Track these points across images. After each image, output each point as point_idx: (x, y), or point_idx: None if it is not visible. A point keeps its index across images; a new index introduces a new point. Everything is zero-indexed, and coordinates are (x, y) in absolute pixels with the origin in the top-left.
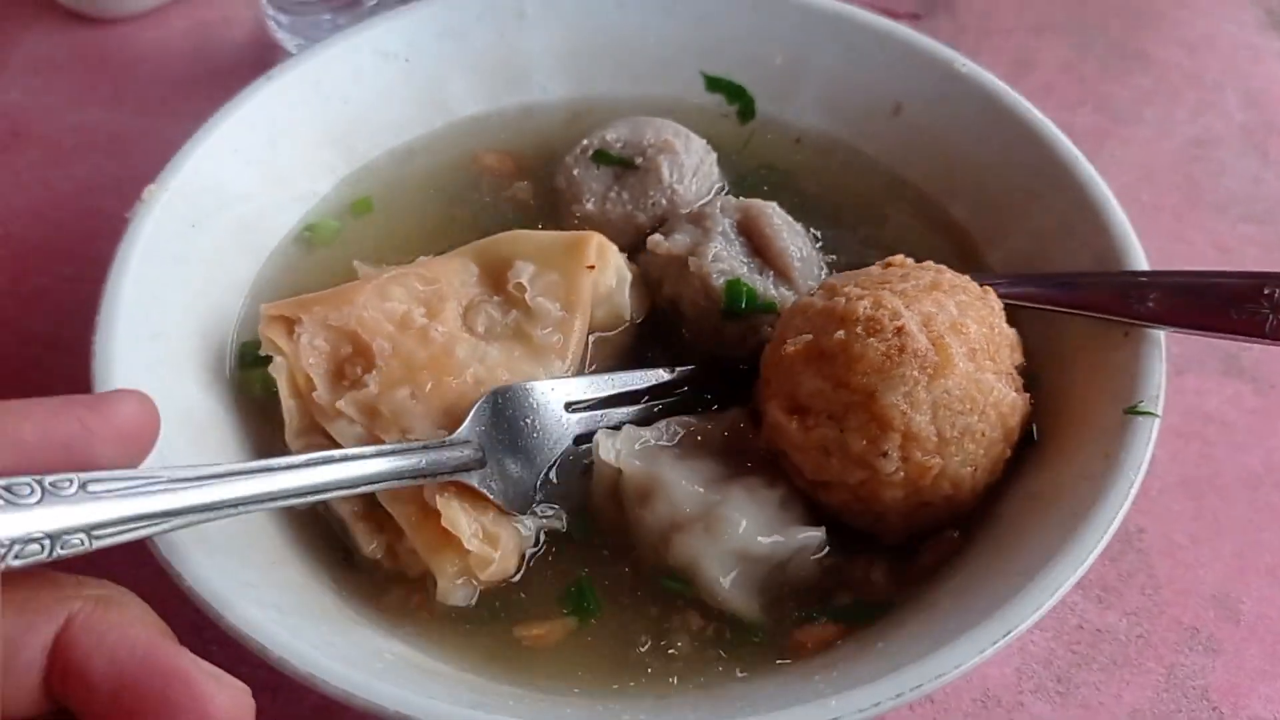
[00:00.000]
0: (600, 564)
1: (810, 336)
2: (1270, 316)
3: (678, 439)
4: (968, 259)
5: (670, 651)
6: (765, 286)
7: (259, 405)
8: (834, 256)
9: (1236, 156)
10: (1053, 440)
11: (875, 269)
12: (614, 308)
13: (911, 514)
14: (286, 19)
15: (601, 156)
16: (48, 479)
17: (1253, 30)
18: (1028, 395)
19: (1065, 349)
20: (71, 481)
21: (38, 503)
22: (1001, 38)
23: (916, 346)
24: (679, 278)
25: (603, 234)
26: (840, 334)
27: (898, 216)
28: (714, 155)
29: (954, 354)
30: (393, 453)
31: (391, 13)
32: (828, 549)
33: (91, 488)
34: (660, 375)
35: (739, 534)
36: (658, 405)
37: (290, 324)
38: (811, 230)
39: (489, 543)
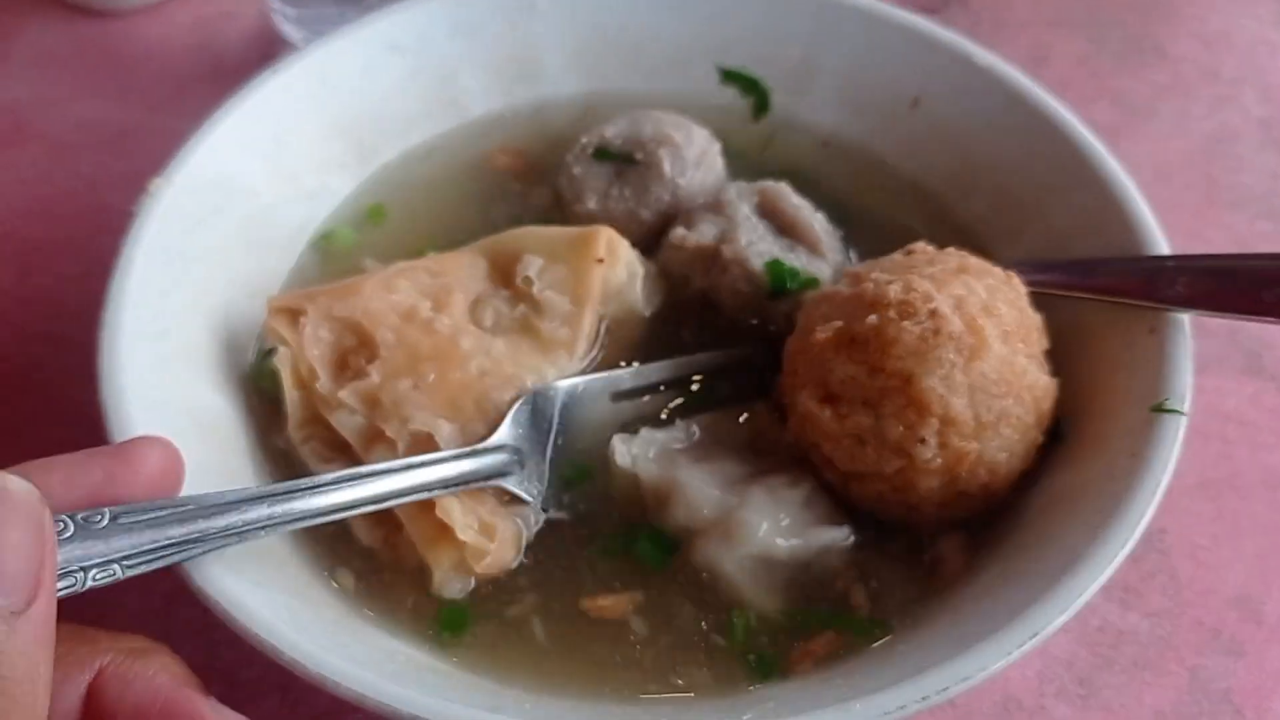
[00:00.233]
0: (613, 560)
1: (840, 323)
2: None
3: (697, 439)
4: (986, 255)
5: (688, 654)
6: (802, 263)
7: (268, 403)
8: (852, 252)
9: (1254, 152)
10: (1077, 438)
11: (898, 256)
12: (625, 302)
13: (946, 504)
14: (292, 12)
15: (601, 153)
16: (79, 514)
17: (1270, 25)
18: (1056, 380)
19: (1089, 343)
20: (102, 515)
21: (71, 537)
22: (1016, 31)
23: (952, 329)
24: (711, 269)
25: None
26: (873, 319)
27: (915, 211)
28: (718, 145)
29: (989, 336)
30: (421, 465)
31: (401, 5)
32: (853, 539)
33: (122, 520)
34: (702, 360)
35: (758, 538)
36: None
37: (296, 315)
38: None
39: (485, 534)
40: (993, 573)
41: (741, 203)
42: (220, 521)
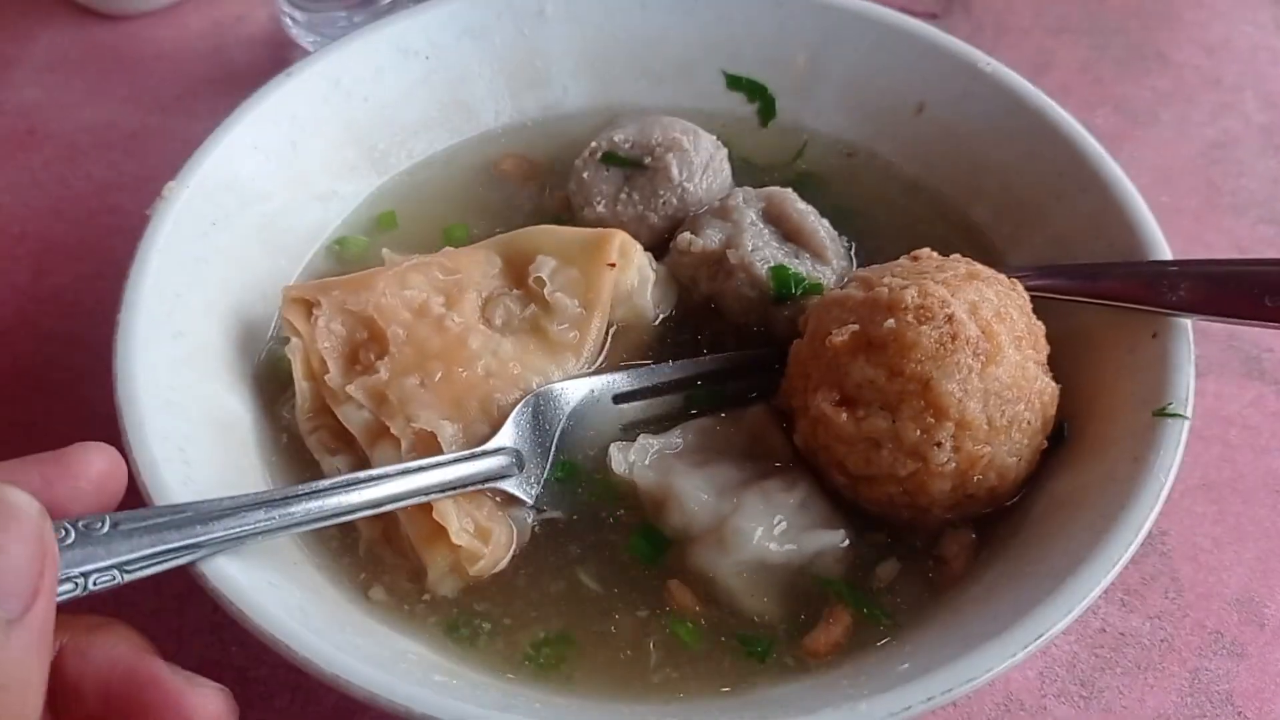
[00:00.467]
0: (612, 562)
1: (856, 327)
2: None
3: (695, 444)
4: (990, 260)
5: (691, 655)
6: (807, 268)
7: (278, 390)
8: (856, 260)
9: (1256, 158)
10: (1080, 441)
11: (905, 261)
12: (635, 307)
13: (953, 507)
14: (302, 16)
15: (610, 158)
16: (81, 521)
17: (1271, 32)
18: (1058, 385)
19: (1092, 347)
20: (103, 522)
21: (72, 544)
22: (1018, 37)
23: (968, 334)
24: (716, 274)
25: None
26: (890, 323)
27: (919, 217)
28: (724, 151)
29: (1003, 341)
30: (418, 470)
31: (412, 10)
32: (848, 542)
33: (123, 527)
34: (705, 363)
35: (752, 544)
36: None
37: (310, 307)
38: (839, 233)
39: (480, 537)
40: (996, 574)
41: (748, 208)
42: (218, 526)
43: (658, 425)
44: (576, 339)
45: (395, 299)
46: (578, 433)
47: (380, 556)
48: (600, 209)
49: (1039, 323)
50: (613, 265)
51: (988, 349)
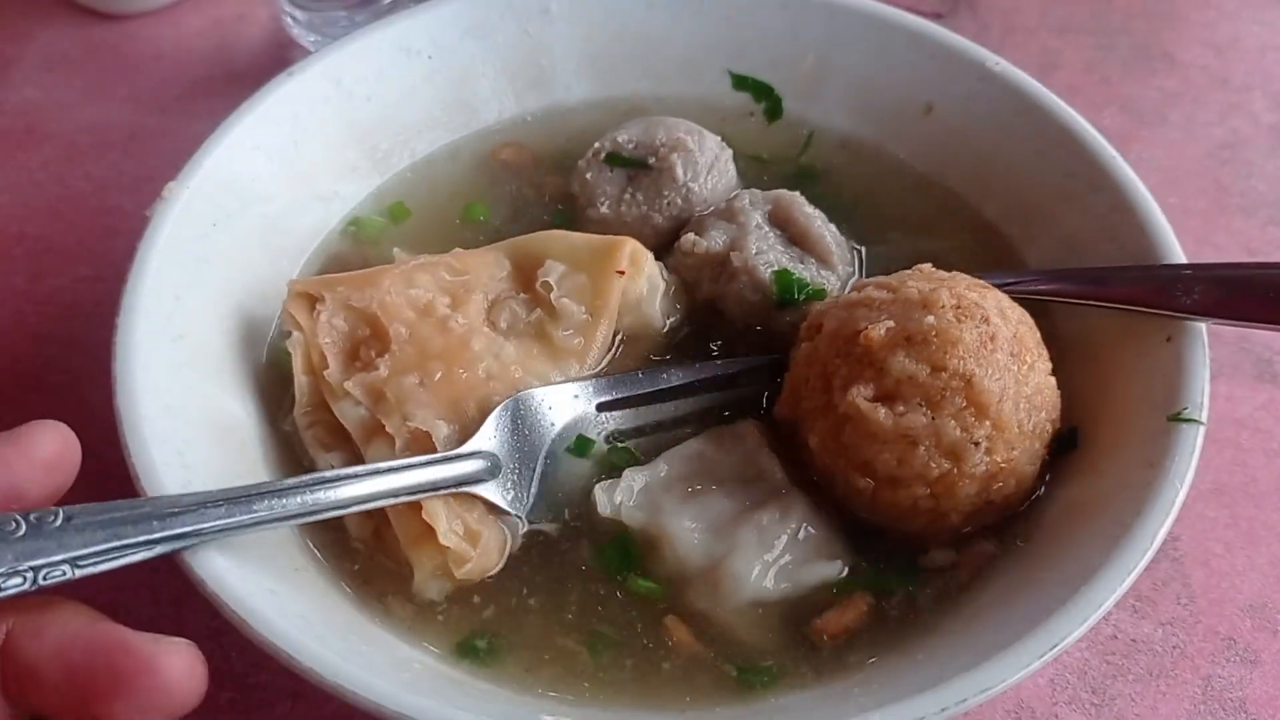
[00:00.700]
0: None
1: (892, 323)
2: None
3: (681, 474)
4: (1001, 263)
5: (705, 663)
6: (811, 274)
7: (278, 385)
8: (863, 263)
9: (1265, 158)
10: (1092, 447)
11: (912, 271)
12: (642, 316)
13: (972, 515)
14: (303, 15)
15: (614, 159)
16: (33, 514)
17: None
18: (1064, 392)
19: (1105, 350)
20: (56, 515)
21: (22, 536)
22: (1024, 37)
23: (1005, 334)
24: (719, 276)
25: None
26: (931, 319)
27: (929, 219)
28: (729, 152)
29: (1031, 345)
30: (389, 470)
31: (415, 9)
32: (846, 572)
33: (76, 520)
34: (694, 371)
35: (748, 587)
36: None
37: (313, 301)
38: (845, 237)
39: (469, 540)
40: (1008, 582)
41: (754, 211)
42: (176, 523)
43: (641, 435)
44: (581, 345)
45: (400, 297)
46: (559, 441)
47: (381, 560)
48: (604, 210)
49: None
50: (622, 273)
51: (1022, 353)
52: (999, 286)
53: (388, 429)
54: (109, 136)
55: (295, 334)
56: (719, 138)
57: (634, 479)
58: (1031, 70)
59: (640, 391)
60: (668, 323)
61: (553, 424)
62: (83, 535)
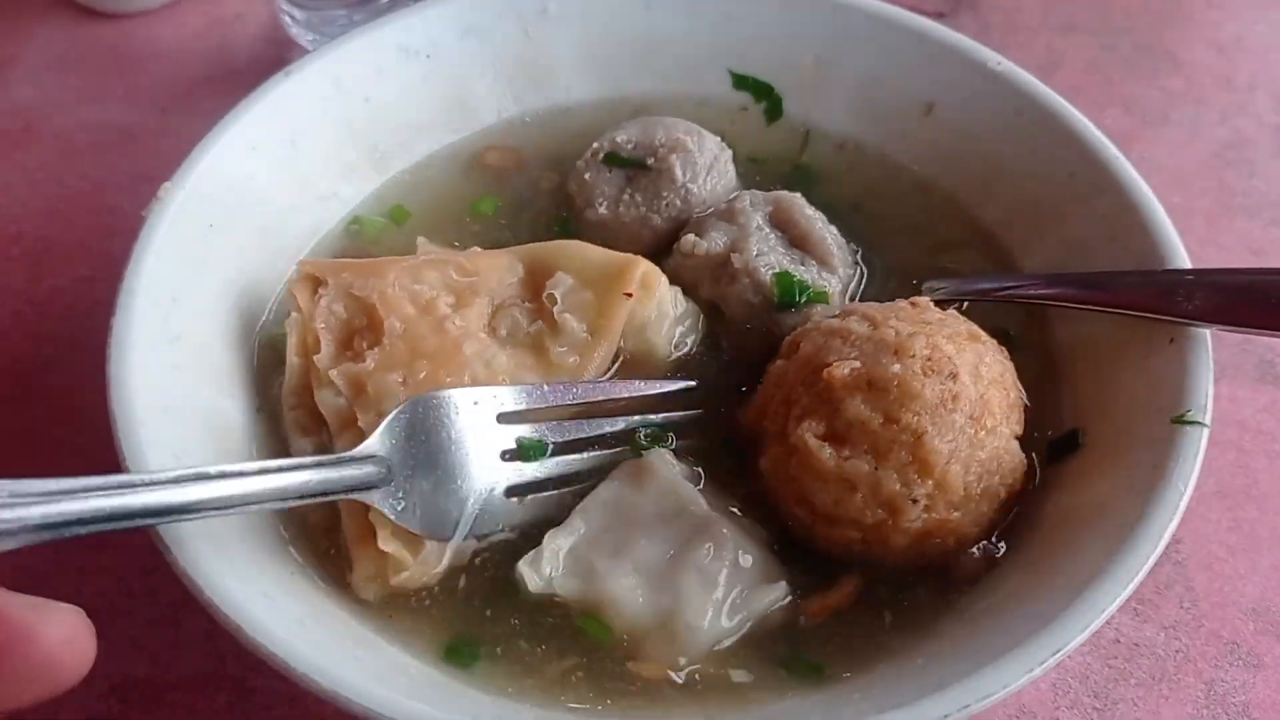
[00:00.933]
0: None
1: (859, 364)
2: None
3: (603, 526)
4: (1003, 264)
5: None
6: (812, 276)
7: (279, 412)
8: (865, 265)
9: (1269, 159)
10: (1095, 449)
11: (904, 305)
12: (646, 342)
13: (906, 562)
14: (301, 14)
15: (612, 159)
16: None
17: None
18: (1024, 459)
19: (1108, 352)
20: None
21: None
22: (1027, 36)
23: (970, 395)
24: (720, 278)
25: (617, 238)
26: (897, 367)
27: (930, 220)
28: (729, 152)
29: (997, 411)
30: (278, 470)
31: (413, 8)
32: (790, 599)
33: None
34: (617, 389)
35: (704, 633)
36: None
37: (318, 284)
38: (846, 238)
39: (410, 548)
40: (1010, 586)
41: (754, 212)
42: (36, 511)
43: (541, 453)
44: (576, 364)
45: (403, 291)
46: (455, 448)
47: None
48: (602, 210)
49: (1021, 391)
50: (629, 295)
51: (983, 416)
52: (1000, 290)
53: (360, 423)
54: (107, 136)
55: (294, 314)
56: (719, 138)
57: (557, 543)
58: (1033, 70)
59: (544, 405)
60: (674, 352)
61: (452, 433)
62: None
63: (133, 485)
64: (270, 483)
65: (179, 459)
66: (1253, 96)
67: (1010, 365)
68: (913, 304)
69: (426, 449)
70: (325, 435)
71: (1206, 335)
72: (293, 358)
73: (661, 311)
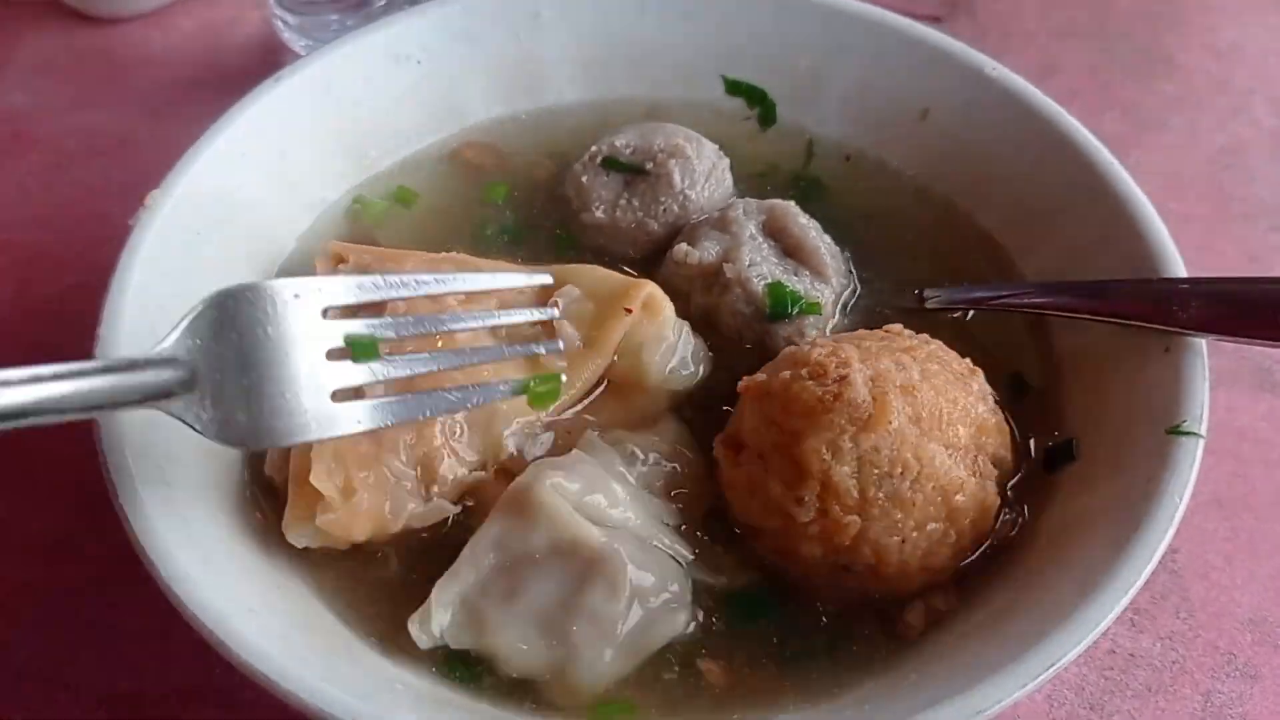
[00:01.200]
0: None
1: (764, 376)
2: None
3: (496, 566)
4: (1003, 268)
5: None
6: (805, 287)
7: None
8: (861, 272)
9: (1266, 164)
10: (1090, 460)
11: (876, 333)
12: (639, 363)
13: (834, 578)
14: (294, 19)
15: (611, 163)
16: None
17: None
18: (997, 491)
19: (1104, 361)
20: None
21: None
22: (1024, 41)
23: (853, 396)
24: (712, 288)
25: (614, 242)
26: (786, 374)
27: (926, 226)
28: (727, 160)
29: (892, 412)
30: (53, 377)
31: (403, 14)
32: (694, 626)
33: None
34: (463, 281)
35: (603, 680)
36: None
37: (339, 262)
38: (840, 245)
39: (343, 493)
40: (1004, 599)
41: (748, 221)
42: None
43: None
44: (565, 371)
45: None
46: (272, 354)
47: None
48: (599, 214)
49: (989, 418)
50: (629, 311)
51: (867, 416)
52: (995, 299)
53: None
54: (98, 142)
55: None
56: (717, 145)
57: (446, 595)
58: (1031, 74)
59: (378, 298)
60: (667, 380)
61: (269, 329)
62: None
63: None
64: (43, 391)
65: (163, 470)
66: (1250, 101)
67: (966, 385)
68: (886, 331)
69: (238, 349)
70: None
71: (1202, 345)
72: None
73: (660, 335)
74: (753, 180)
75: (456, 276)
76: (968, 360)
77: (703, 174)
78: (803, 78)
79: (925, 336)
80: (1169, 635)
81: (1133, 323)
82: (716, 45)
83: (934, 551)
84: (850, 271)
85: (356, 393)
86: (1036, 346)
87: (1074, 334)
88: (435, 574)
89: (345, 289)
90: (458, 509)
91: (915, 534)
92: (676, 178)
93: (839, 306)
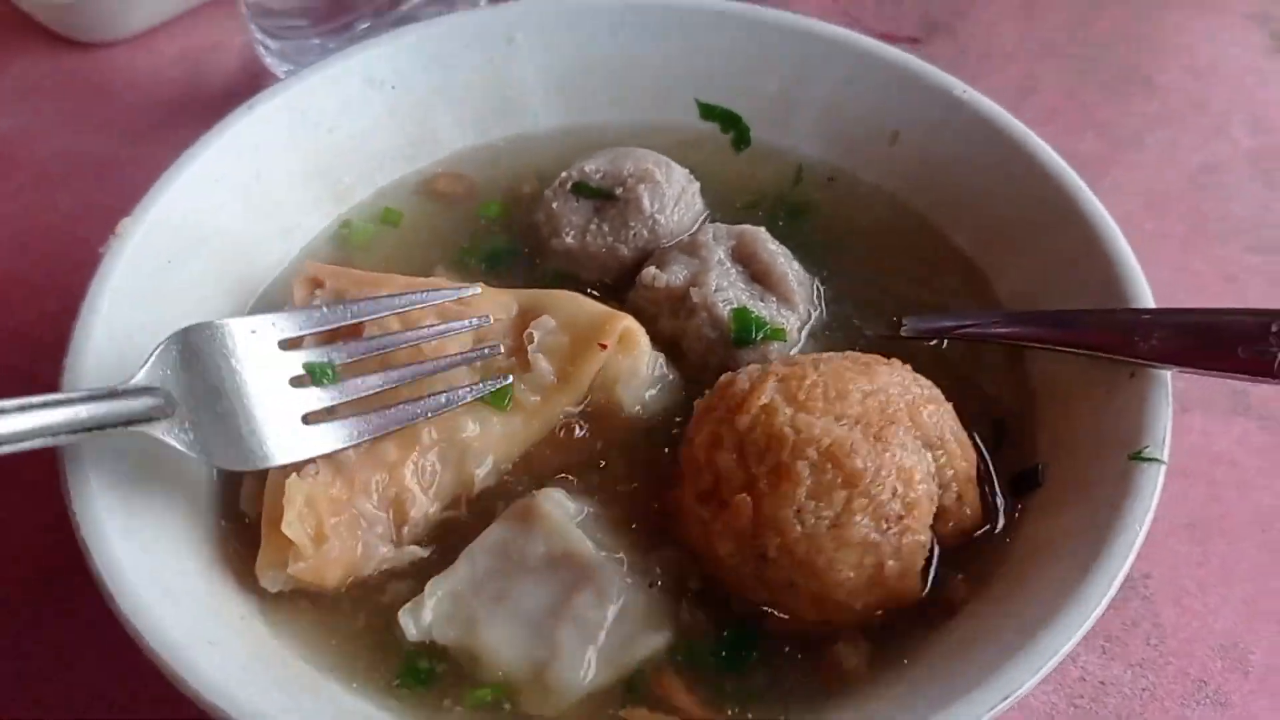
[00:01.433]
0: None
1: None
2: (1279, 355)
3: (489, 571)
4: (978, 289)
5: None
6: (771, 313)
7: None
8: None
9: (1243, 183)
10: (1055, 485)
11: (837, 356)
12: (614, 396)
13: (759, 572)
14: (276, 44)
15: (581, 188)
16: None
17: (1259, 54)
18: (938, 476)
19: (1069, 386)
20: None
21: None
22: (1003, 62)
23: (737, 388)
24: (679, 312)
25: (584, 268)
26: (708, 391)
27: (897, 249)
28: (697, 184)
29: (762, 393)
30: (43, 405)
31: (377, 39)
32: (670, 641)
33: None
34: (395, 303)
35: (580, 687)
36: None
37: (317, 285)
38: (813, 267)
39: (314, 540)
40: (966, 626)
41: (717, 246)
42: None
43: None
44: (537, 405)
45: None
46: (237, 384)
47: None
48: (569, 240)
49: (964, 442)
50: (604, 346)
51: (740, 401)
52: (963, 328)
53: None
54: (80, 166)
55: (287, 307)
56: (687, 170)
57: (438, 589)
58: (1009, 94)
59: (325, 326)
60: (641, 413)
61: (232, 363)
62: None
63: None
64: (36, 419)
65: (128, 502)
66: (1228, 121)
67: (923, 400)
68: (844, 356)
69: (206, 380)
70: None
71: (1166, 372)
72: None
73: (635, 370)
74: (726, 203)
75: (385, 299)
76: (936, 389)
77: (672, 198)
78: (775, 100)
79: (896, 360)
80: (1140, 662)
81: (1098, 354)
82: (691, 68)
83: (842, 522)
84: (818, 298)
85: (329, 415)
86: (1012, 372)
87: (1046, 361)
88: (396, 606)
89: (294, 322)
90: (428, 553)
91: (812, 503)
92: (646, 202)
93: (804, 332)
